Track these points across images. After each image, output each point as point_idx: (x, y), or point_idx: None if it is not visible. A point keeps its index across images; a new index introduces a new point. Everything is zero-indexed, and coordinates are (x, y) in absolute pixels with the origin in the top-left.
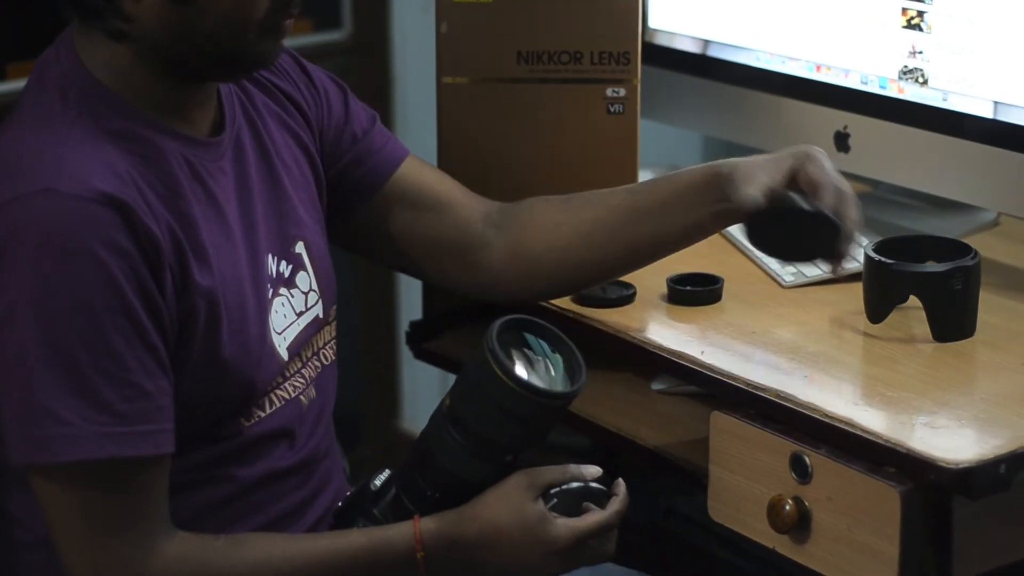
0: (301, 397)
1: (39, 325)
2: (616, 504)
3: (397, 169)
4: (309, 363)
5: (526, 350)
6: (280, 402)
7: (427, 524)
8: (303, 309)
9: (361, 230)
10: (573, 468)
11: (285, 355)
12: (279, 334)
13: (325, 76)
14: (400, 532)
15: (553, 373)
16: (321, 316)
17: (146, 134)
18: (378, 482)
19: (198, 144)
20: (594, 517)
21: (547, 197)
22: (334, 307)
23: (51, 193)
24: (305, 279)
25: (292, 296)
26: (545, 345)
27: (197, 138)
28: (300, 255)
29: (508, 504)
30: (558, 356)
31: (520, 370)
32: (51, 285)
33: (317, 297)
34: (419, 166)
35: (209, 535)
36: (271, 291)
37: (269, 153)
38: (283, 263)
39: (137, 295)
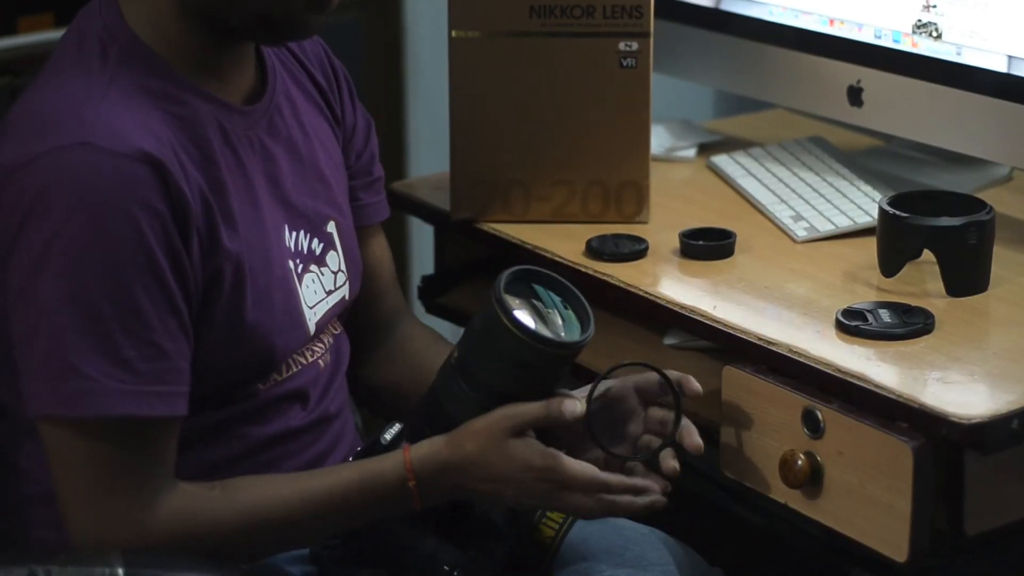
0: (319, 361)
1: (68, 279)
2: (617, 478)
3: (371, 226)
4: (327, 330)
5: (534, 300)
6: (298, 367)
7: (416, 452)
8: (332, 288)
9: None
10: (553, 407)
11: (313, 329)
12: (311, 308)
13: (361, 106)
14: (392, 462)
15: (561, 323)
16: (347, 298)
17: (183, 96)
18: (388, 436)
19: (232, 111)
20: (582, 467)
21: (425, 332)
22: (358, 292)
23: (88, 147)
24: (335, 259)
25: (323, 274)
26: (553, 295)
27: (232, 104)
28: (332, 235)
29: (492, 439)
30: (567, 306)
31: (528, 319)
32: (82, 239)
33: (345, 278)
34: (384, 241)
35: (205, 483)
36: (301, 266)
37: (309, 134)
38: (315, 240)
39: (166, 256)
